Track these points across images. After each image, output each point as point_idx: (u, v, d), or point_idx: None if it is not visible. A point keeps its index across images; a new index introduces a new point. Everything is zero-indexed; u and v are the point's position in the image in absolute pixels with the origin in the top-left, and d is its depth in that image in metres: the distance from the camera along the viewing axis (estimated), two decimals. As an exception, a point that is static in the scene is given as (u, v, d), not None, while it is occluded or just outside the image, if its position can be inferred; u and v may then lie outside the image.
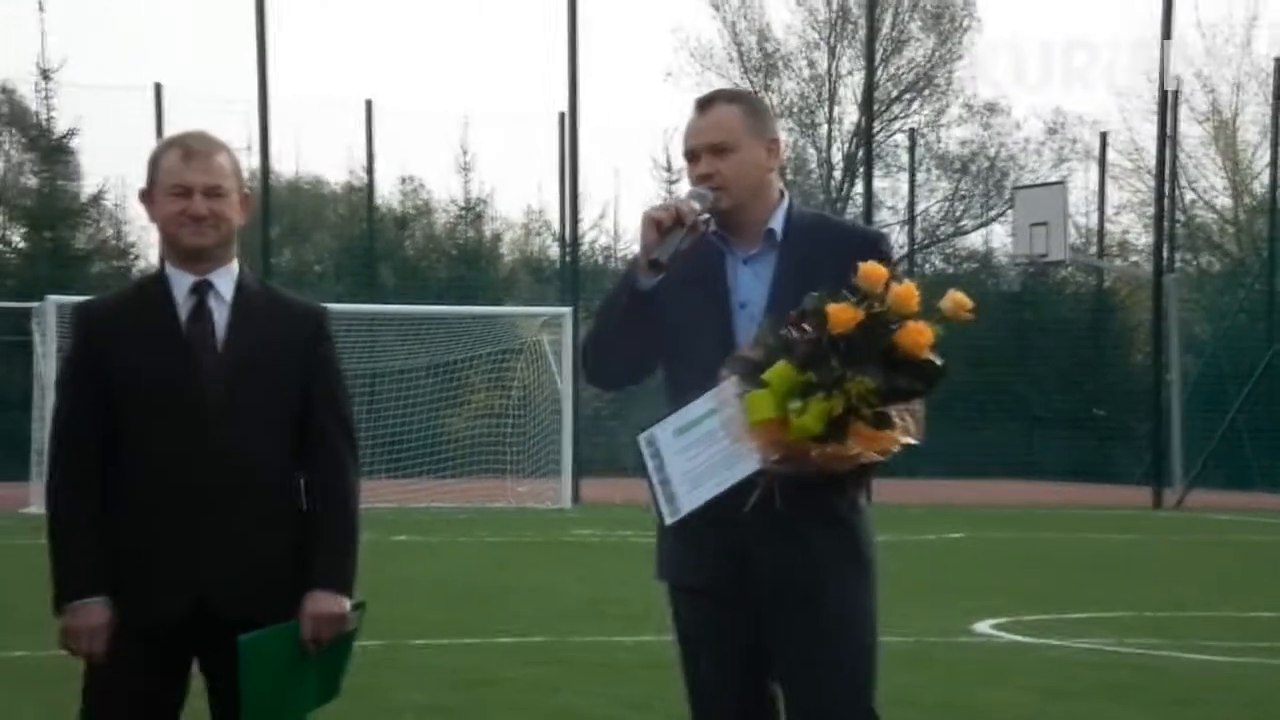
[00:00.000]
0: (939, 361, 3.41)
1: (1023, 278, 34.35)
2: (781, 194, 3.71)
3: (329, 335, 3.78)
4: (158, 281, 3.72)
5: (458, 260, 36.07)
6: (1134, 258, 37.12)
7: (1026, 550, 17.73)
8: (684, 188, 3.77)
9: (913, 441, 3.42)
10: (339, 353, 3.82)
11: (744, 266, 3.68)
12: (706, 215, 3.63)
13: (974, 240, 40.76)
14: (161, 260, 3.78)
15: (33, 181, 31.07)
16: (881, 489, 25.22)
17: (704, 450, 3.49)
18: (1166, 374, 27.65)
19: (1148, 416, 27.22)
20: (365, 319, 26.44)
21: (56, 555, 3.66)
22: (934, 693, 8.19)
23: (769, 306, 3.59)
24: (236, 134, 26.70)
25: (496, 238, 37.72)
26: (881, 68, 41.99)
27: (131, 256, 32.05)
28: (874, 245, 3.67)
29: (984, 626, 10.82)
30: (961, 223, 41.51)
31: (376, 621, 11.12)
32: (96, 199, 31.78)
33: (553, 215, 34.02)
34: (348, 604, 3.73)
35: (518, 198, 45.04)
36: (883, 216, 40.83)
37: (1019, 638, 10.42)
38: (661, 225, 3.55)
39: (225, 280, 3.70)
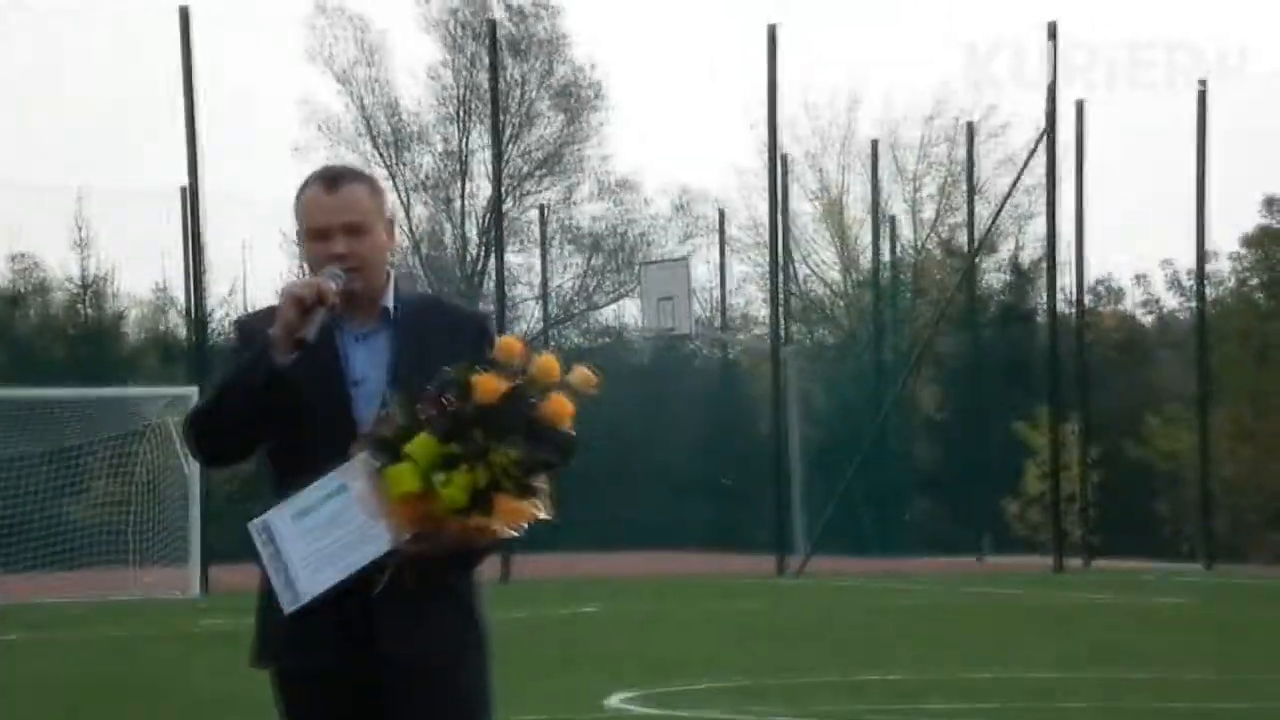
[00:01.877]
0: (572, 433, 3.48)
1: (654, 351, 35.17)
2: (389, 273, 3.72)
3: None
4: None
5: (78, 340, 34.76)
6: (755, 330, 38.41)
7: (657, 621, 18.08)
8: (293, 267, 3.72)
9: (545, 516, 3.46)
10: None
11: (356, 344, 3.64)
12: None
13: (608, 315, 41.57)
14: None
15: None
16: (521, 565, 25.27)
17: (327, 533, 3.45)
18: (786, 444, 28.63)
19: (773, 484, 28.13)
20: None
21: None
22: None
23: (390, 383, 3.58)
24: None
25: (119, 316, 36.52)
26: (512, 144, 42.54)
27: None
28: (482, 324, 3.75)
29: (615, 700, 10.98)
30: (595, 297, 42.25)
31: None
32: None
33: (180, 292, 33.13)
34: None
35: (145, 274, 43.70)
36: (518, 291, 41.27)
37: (650, 710, 10.61)
38: (304, 303, 3.51)
39: None
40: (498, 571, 24.60)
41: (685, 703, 10.91)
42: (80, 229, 35.29)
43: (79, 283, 36.34)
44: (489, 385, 3.39)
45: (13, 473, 23.89)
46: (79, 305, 36.65)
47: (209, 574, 22.73)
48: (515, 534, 3.45)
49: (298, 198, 3.72)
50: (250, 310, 3.95)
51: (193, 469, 22.40)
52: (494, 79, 31.42)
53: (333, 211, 3.64)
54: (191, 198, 25.84)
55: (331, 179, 3.69)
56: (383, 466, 3.37)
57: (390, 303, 3.68)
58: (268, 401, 3.54)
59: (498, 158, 32.69)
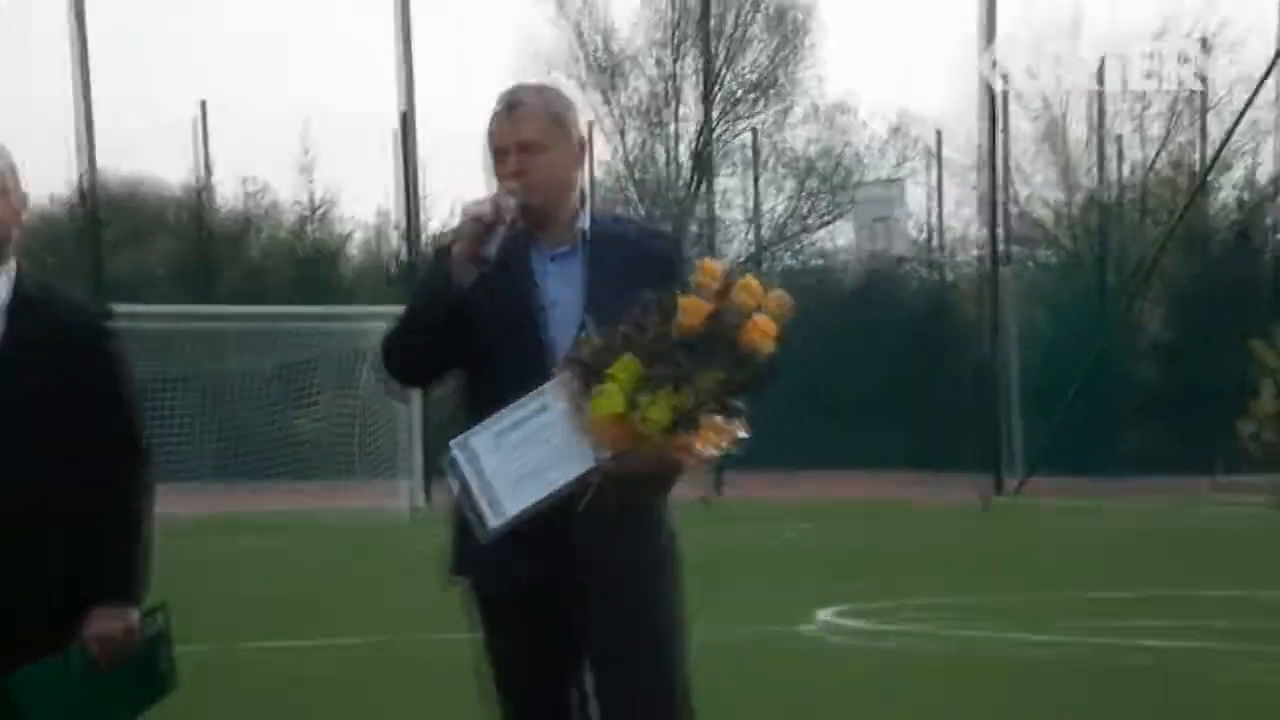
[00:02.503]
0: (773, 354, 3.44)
1: (866, 273, 34.76)
2: (584, 194, 3.68)
3: (113, 338, 3.64)
4: None
5: (304, 261, 35.65)
6: (974, 252, 37.72)
7: (870, 540, 17.92)
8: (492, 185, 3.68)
9: (745, 435, 3.44)
10: (123, 356, 3.66)
11: (552, 265, 3.60)
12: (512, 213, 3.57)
13: (821, 237, 41.19)
14: None
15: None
16: (733, 483, 25.38)
17: (529, 452, 3.41)
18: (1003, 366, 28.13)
19: (988, 406, 27.69)
20: (207, 322, 26.01)
21: None
22: (772, 683, 8.18)
23: (586, 306, 3.55)
24: (58, 136, 26.12)
25: (343, 239, 37.35)
26: (725, 68, 42.26)
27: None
28: (675, 245, 3.73)
29: (826, 614, 10.87)
30: (808, 220, 41.91)
31: (202, 625, 10.89)
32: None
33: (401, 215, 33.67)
34: (134, 615, 3.57)
35: (370, 199, 44.54)
36: (731, 215, 41.15)
37: (861, 623, 10.49)
38: (484, 219, 3.48)
39: (2, 283, 3.58)
40: (711, 489, 24.68)
41: (898, 618, 10.75)
42: (307, 154, 36.07)
43: (306, 206, 37.22)
44: (694, 308, 3.37)
45: (243, 386, 24.65)
46: (305, 228, 37.54)
47: (430, 489, 23.13)
48: (717, 454, 3.42)
49: (489, 123, 3.67)
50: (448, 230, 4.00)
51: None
52: (705, 3, 31.16)
53: (510, 131, 3.59)
54: (409, 124, 26.18)
55: (512, 99, 3.63)
56: (586, 387, 3.35)
57: (585, 224, 3.63)
58: (453, 320, 3.51)
59: (708, 81, 32.45)
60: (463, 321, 3.51)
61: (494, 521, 3.41)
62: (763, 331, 3.39)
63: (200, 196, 33.06)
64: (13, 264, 3.57)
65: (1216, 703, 7.52)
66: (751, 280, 3.43)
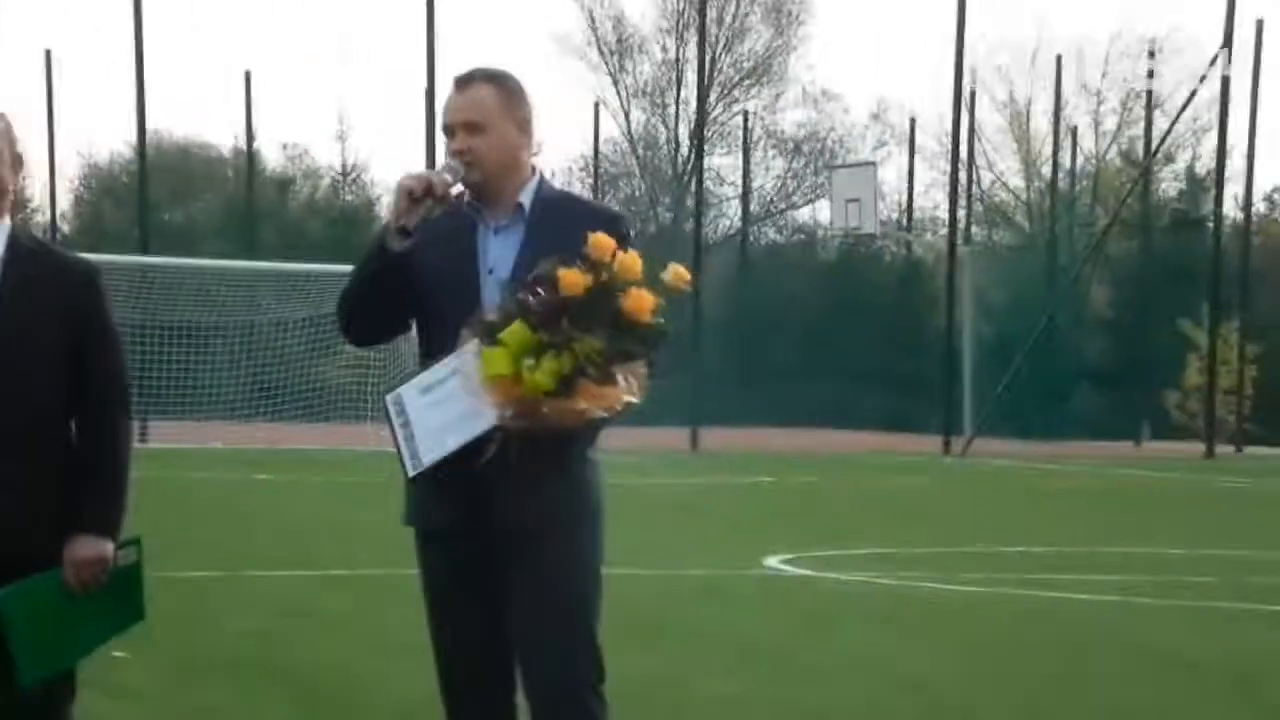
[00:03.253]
0: (662, 325, 3.42)
1: (842, 249, 34.79)
2: (534, 170, 3.67)
3: (101, 290, 3.67)
4: None
5: (337, 221, 35.64)
6: (941, 232, 37.71)
7: (825, 492, 17.99)
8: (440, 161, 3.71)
9: (634, 400, 3.43)
10: (112, 306, 3.70)
11: (494, 236, 3.61)
12: (460, 188, 3.58)
13: (805, 214, 41.18)
14: None
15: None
16: (709, 437, 25.33)
17: (446, 408, 3.45)
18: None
19: (944, 371, 27.75)
20: (246, 275, 26.07)
21: None
22: (717, 621, 8.29)
23: (513, 273, 3.56)
24: (121, 97, 26.11)
25: (372, 201, 37.37)
26: (724, 54, 42.12)
27: (30, 209, 31.20)
28: (613, 222, 3.66)
29: (772, 561, 10.95)
30: (794, 198, 41.89)
31: (216, 552, 10.95)
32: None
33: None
34: (110, 547, 3.61)
35: (399, 165, 44.51)
36: (724, 190, 41.12)
37: (802, 570, 10.57)
38: (412, 194, 3.48)
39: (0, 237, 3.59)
40: (687, 442, 24.74)
41: (837, 566, 10.83)
42: (341, 123, 36.04)
43: (339, 171, 37.19)
44: (572, 279, 3.37)
45: (277, 335, 24.69)
46: (339, 190, 37.51)
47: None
48: (607, 416, 3.42)
49: (447, 100, 3.65)
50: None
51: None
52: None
53: (457, 110, 3.59)
54: (429, 98, 26.17)
55: (463, 79, 3.63)
56: (482, 350, 3.37)
57: (526, 199, 3.63)
58: (385, 284, 3.53)
59: (702, 65, 32.47)
60: (407, 286, 3.53)
61: (412, 470, 3.47)
62: (639, 304, 3.37)
63: (246, 158, 33.05)
64: (8, 220, 3.59)
65: (1106, 648, 7.65)
66: (631, 256, 3.41)
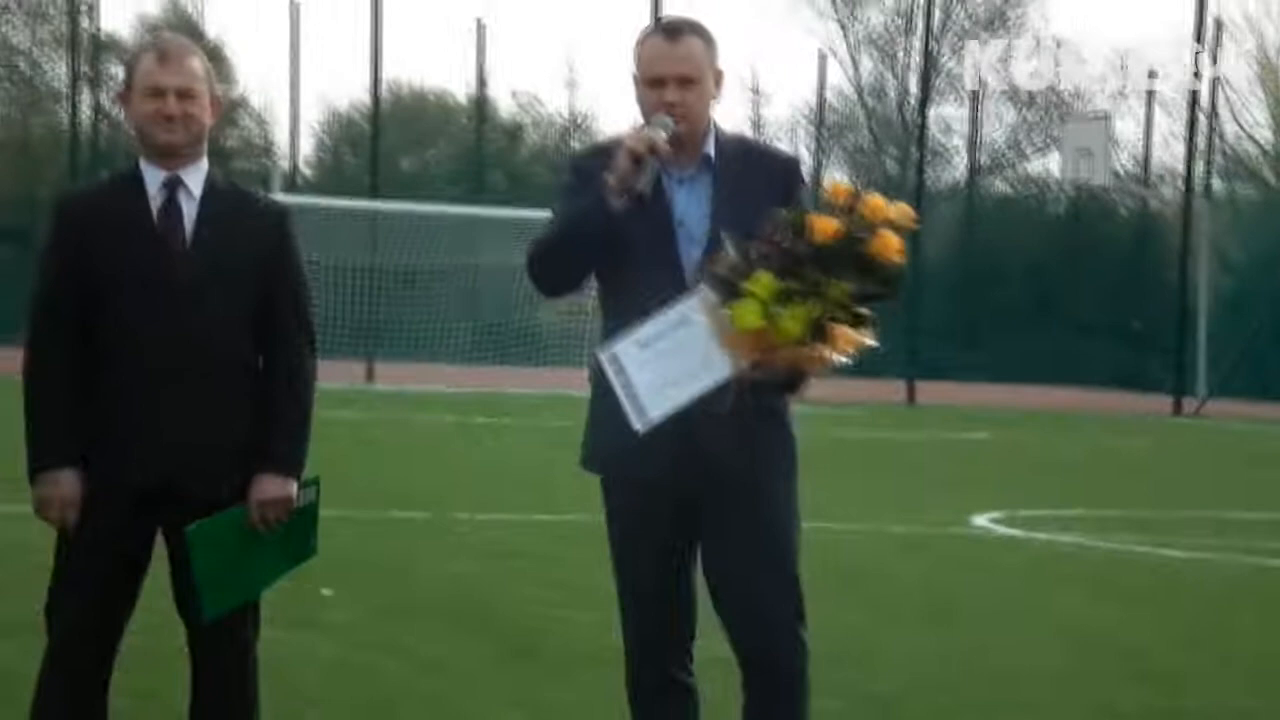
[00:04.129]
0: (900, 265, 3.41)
1: (1071, 201, 33.80)
2: (710, 120, 3.66)
3: (290, 231, 3.73)
4: (132, 177, 3.64)
5: (562, 169, 36.04)
6: (1180, 185, 36.30)
7: (1044, 450, 17.54)
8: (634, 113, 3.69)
9: (873, 344, 3.43)
10: (300, 248, 3.76)
11: (679, 187, 3.61)
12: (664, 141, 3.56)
13: (1036, 167, 40.11)
14: (136, 157, 3.68)
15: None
16: (925, 390, 24.91)
17: (671, 361, 3.44)
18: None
19: (1176, 328, 26.78)
20: (472, 221, 26.57)
21: (31, 428, 3.62)
22: (916, 577, 8.18)
23: (711, 224, 3.54)
24: (362, 46, 26.83)
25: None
26: (957, 4, 41.17)
27: (274, 154, 32.31)
28: (794, 167, 3.69)
29: (981, 519, 10.75)
30: (1024, 149, 40.82)
31: (426, 494, 11.21)
32: (242, 101, 32.03)
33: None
34: (294, 486, 3.69)
35: (629, 113, 44.63)
36: (952, 142, 40.27)
37: (1010, 530, 10.35)
38: (637, 154, 3.50)
39: (195, 177, 3.64)
40: (904, 395, 24.41)
41: (1047, 526, 10.57)
42: (570, 71, 36.37)
43: (568, 118, 37.56)
44: (823, 225, 3.37)
45: (505, 281, 25.13)
46: (566, 138, 37.90)
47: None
48: (846, 361, 3.41)
49: (638, 44, 3.65)
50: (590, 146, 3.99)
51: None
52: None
53: (670, 62, 3.58)
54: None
55: (673, 30, 3.62)
56: (724, 301, 3.36)
57: (711, 149, 3.63)
58: (601, 242, 3.54)
59: (929, 13, 31.87)
60: (607, 242, 3.54)
61: (641, 426, 3.45)
62: (888, 244, 3.38)
63: (477, 105, 33.60)
64: (205, 162, 3.67)
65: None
66: (877, 197, 3.42)
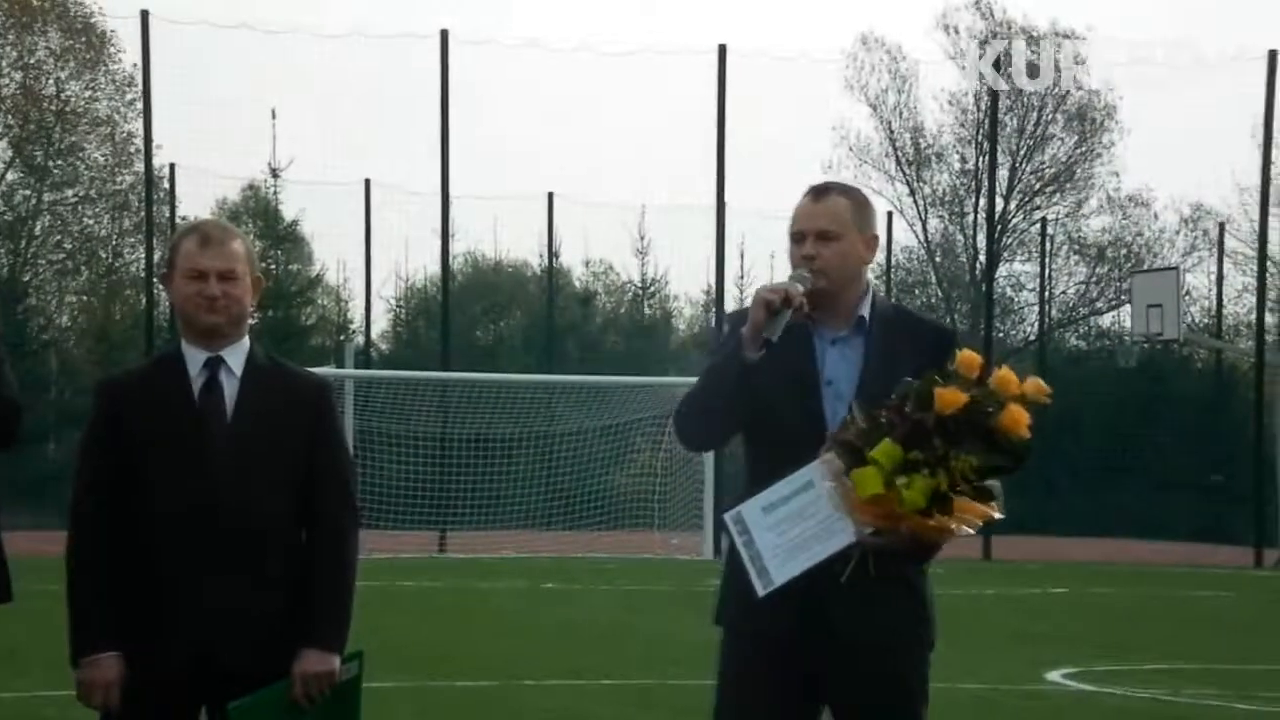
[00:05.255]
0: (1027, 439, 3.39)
1: (1142, 354, 33.61)
2: (868, 284, 3.69)
3: (331, 405, 3.76)
4: (174, 357, 3.69)
5: (634, 333, 36.38)
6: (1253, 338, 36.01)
7: (1121, 604, 17.20)
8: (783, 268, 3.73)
9: (999, 515, 3.41)
10: (340, 422, 3.80)
11: (831, 347, 3.61)
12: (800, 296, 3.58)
13: (1107, 320, 40.01)
14: (178, 337, 3.74)
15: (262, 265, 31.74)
16: (1002, 545, 24.41)
17: (795, 525, 3.45)
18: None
19: (1255, 478, 26.35)
20: (546, 388, 26.82)
21: (72, 613, 3.62)
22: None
23: (859, 388, 3.54)
24: (430, 223, 27.32)
25: (669, 315, 38.06)
26: (1025, 162, 41.53)
27: (351, 330, 32.83)
28: (946, 337, 3.67)
29: (1055, 675, 10.55)
30: (1097, 304, 40.77)
31: (491, 661, 11.09)
32: (318, 279, 32.71)
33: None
34: (337, 661, 3.67)
35: (697, 279, 45.13)
36: (1024, 297, 40.29)
37: (1085, 685, 10.15)
38: (771, 306, 3.50)
39: (236, 356, 3.67)
40: (979, 550, 24.11)
41: (1125, 681, 10.34)
42: (641, 238, 36.87)
43: (639, 285, 38.01)
44: (949, 397, 3.36)
45: (574, 445, 25.25)
46: (638, 304, 38.30)
47: (721, 539, 23.19)
48: (971, 532, 3.40)
49: (800, 208, 3.69)
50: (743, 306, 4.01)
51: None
52: (993, 107, 30.94)
53: (810, 218, 3.63)
54: (719, 211, 26.54)
55: (820, 190, 3.69)
56: (849, 468, 3.37)
57: (865, 311, 3.65)
58: (739, 392, 3.54)
59: (992, 172, 32.19)
60: (750, 394, 3.54)
61: (763, 589, 3.46)
62: (1017, 419, 3.34)
63: (549, 275, 34.12)
64: (247, 339, 3.70)
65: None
66: (1008, 371, 3.41)
